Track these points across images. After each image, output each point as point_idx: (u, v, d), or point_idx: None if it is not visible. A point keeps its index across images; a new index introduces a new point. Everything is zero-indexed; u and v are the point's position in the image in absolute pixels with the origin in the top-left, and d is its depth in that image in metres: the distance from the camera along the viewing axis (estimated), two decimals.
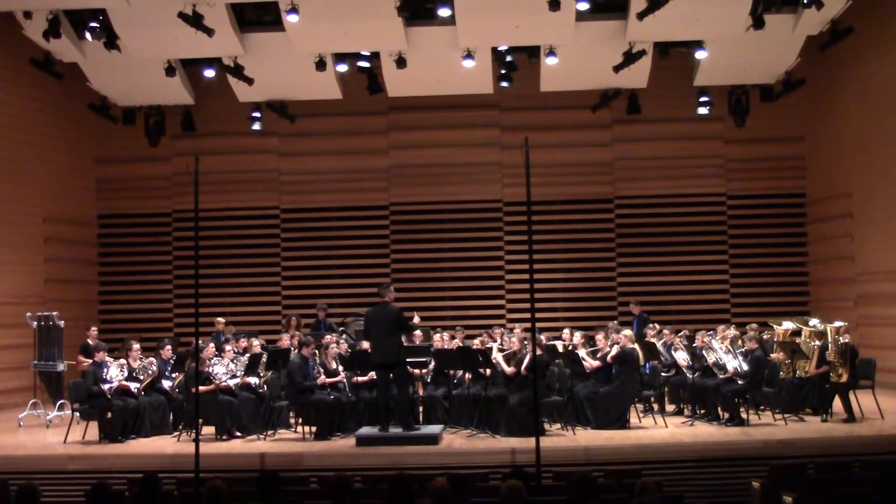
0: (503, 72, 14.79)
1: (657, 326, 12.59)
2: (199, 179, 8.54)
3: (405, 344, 10.53)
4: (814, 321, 11.78)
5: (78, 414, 10.79)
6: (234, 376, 10.78)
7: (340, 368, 10.99)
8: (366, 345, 11.13)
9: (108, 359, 10.84)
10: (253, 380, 10.88)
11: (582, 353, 11.04)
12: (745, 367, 10.50)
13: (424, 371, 11.27)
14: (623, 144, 16.63)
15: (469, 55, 13.94)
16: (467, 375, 10.99)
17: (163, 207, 16.96)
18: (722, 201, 16.58)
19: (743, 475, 8.56)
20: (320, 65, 14.14)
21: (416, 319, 10.23)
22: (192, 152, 9.28)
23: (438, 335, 11.94)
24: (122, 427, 10.50)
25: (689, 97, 15.75)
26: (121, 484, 8.01)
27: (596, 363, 10.82)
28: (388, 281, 10.36)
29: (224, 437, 10.48)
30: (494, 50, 14.44)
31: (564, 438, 9.99)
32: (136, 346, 11.25)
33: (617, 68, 13.99)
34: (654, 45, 14.10)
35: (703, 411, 10.98)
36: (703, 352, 10.95)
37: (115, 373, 10.69)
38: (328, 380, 10.76)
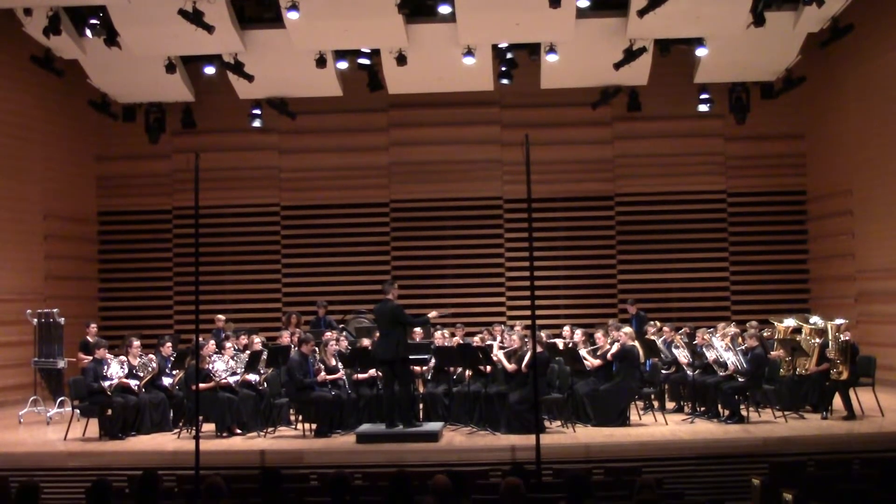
0: (503, 69, 14.77)
1: (657, 324, 12.58)
2: (200, 176, 8.55)
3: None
4: (814, 318, 11.77)
5: (78, 411, 10.81)
6: (234, 373, 10.78)
7: (340, 365, 11.00)
8: (366, 342, 11.17)
9: (108, 356, 10.85)
10: (253, 377, 10.88)
11: (582, 350, 11.04)
12: (746, 364, 10.50)
13: (425, 368, 11.30)
14: (623, 142, 16.63)
15: (469, 52, 13.93)
16: (468, 373, 11.00)
17: (163, 204, 16.96)
18: (722, 198, 16.57)
19: (743, 472, 8.57)
20: (321, 62, 14.13)
21: (433, 314, 10.35)
22: (192, 149, 9.31)
23: (439, 332, 11.97)
24: (123, 424, 10.50)
25: (690, 94, 15.74)
26: (121, 481, 7.99)
27: (596, 361, 10.81)
28: (389, 278, 10.49)
29: (224, 435, 10.47)
30: (495, 47, 14.42)
31: (564, 436, 9.99)
32: (137, 342, 11.25)
33: (617, 65, 13.98)
34: (654, 43, 14.08)
35: (703, 408, 10.99)
36: (704, 349, 10.95)
37: (115, 370, 10.69)
38: (328, 377, 10.77)
